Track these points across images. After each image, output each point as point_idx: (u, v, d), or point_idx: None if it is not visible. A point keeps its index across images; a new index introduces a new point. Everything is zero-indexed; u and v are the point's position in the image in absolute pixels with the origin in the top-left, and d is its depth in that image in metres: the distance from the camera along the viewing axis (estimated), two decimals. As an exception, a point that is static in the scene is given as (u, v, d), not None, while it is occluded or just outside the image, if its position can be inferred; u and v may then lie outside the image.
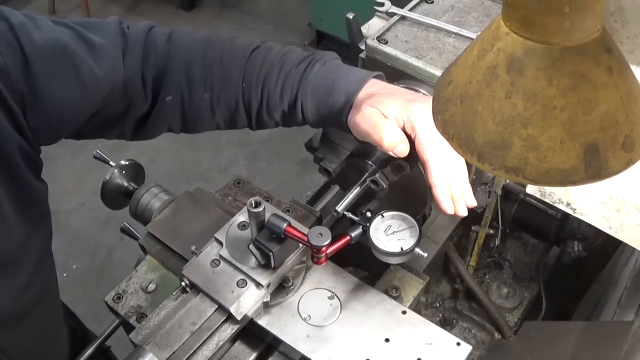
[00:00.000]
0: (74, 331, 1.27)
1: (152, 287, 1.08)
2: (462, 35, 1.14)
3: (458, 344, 0.94)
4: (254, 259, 0.97)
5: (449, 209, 0.93)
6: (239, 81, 0.99)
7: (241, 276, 0.96)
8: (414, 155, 0.93)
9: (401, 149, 0.92)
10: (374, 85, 0.96)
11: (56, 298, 1.15)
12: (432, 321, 0.98)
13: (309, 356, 0.93)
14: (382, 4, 1.21)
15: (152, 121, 1.03)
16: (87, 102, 0.94)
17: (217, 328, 0.94)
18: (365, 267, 1.24)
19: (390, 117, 0.91)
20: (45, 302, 1.06)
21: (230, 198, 1.22)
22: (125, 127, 1.03)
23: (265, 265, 0.96)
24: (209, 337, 0.94)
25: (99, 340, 1.06)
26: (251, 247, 0.97)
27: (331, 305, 0.99)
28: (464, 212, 0.94)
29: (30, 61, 0.86)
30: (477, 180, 1.29)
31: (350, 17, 1.17)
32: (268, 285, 0.96)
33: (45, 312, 1.08)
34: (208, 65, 0.99)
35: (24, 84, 0.86)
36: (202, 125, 1.06)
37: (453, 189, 0.93)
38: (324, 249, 0.90)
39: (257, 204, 0.90)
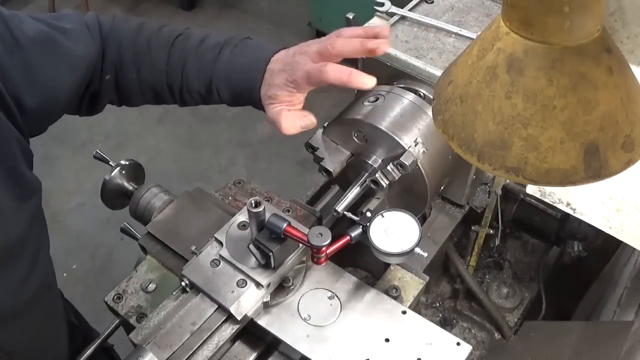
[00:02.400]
0: (74, 328, 1.27)
1: (152, 287, 1.08)
2: (462, 35, 1.13)
3: (458, 344, 0.94)
4: (254, 259, 0.97)
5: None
6: (163, 66, 1.09)
7: (241, 276, 0.96)
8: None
9: (302, 125, 1.02)
10: (275, 62, 1.04)
11: (55, 293, 1.16)
12: (432, 321, 0.98)
13: (309, 356, 0.93)
14: (382, 4, 1.21)
15: (100, 96, 1.13)
16: (73, 81, 1.03)
17: (217, 328, 0.94)
18: (365, 267, 1.24)
19: (284, 97, 1.01)
20: (44, 298, 1.07)
21: (230, 198, 1.22)
22: (83, 103, 1.13)
23: (265, 265, 0.96)
24: (209, 337, 0.94)
25: (99, 340, 1.06)
26: (251, 247, 0.97)
27: (331, 305, 0.99)
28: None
29: (25, 49, 0.93)
30: (477, 180, 1.29)
31: (350, 17, 1.16)
32: (268, 285, 0.96)
33: (44, 307, 1.08)
34: (137, 51, 1.09)
35: (19, 71, 0.92)
36: (134, 100, 1.17)
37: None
38: (324, 249, 0.90)
39: (257, 204, 0.90)
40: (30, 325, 1.04)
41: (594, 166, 0.57)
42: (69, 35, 1.02)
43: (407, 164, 0.97)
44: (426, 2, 1.21)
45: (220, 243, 0.99)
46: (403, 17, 1.18)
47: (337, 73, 0.96)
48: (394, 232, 0.94)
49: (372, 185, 1.02)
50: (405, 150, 0.99)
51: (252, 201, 0.90)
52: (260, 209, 0.90)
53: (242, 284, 0.95)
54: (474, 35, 1.13)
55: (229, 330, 0.95)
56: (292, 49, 1.05)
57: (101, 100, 1.14)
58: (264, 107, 1.05)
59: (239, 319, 0.94)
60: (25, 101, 0.94)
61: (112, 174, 1.24)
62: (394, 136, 1.00)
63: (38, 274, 1.02)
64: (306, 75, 0.98)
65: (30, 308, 1.02)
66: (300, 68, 0.98)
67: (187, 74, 1.08)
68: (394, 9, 1.20)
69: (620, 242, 1.05)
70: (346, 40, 0.99)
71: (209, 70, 1.07)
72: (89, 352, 1.05)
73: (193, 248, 1.02)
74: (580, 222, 1.09)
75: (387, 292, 1.03)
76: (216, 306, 0.95)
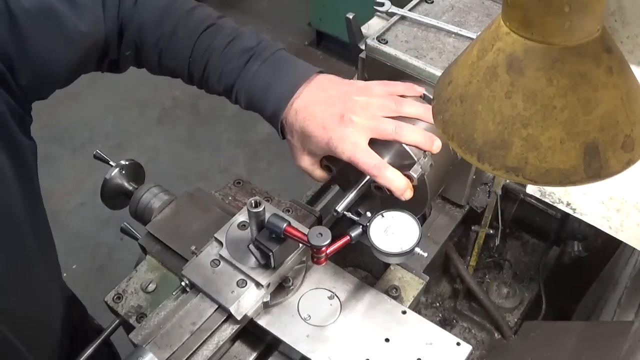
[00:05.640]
0: (70, 299, 1.27)
1: (152, 287, 1.08)
2: (462, 35, 1.13)
3: (458, 344, 0.94)
4: (254, 259, 0.97)
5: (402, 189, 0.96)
6: (187, 56, 1.06)
7: (241, 276, 0.96)
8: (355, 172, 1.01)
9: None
10: (304, 97, 1.00)
11: (54, 257, 1.14)
12: (432, 321, 0.98)
13: (309, 356, 0.93)
14: (382, 4, 1.21)
15: (119, 65, 1.11)
16: (73, 57, 0.99)
17: (217, 328, 0.94)
18: (365, 267, 1.24)
19: (318, 153, 1.01)
20: (43, 261, 1.06)
21: (230, 198, 1.22)
22: (102, 67, 1.10)
23: (265, 265, 0.96)
24: (209, 337, 0.94)
25: (99, 340, 1.06)
26: (251, 247, 0.97)
27: (331, 305, 0.99)
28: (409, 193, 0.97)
29: (19, 23, 0.89)
30: (477, 180, 1.29)
31: (350, 17, 1.17)
32: (268, 285, 0.96)
33: (43, 271, 1.07)
34: (161, 35, 1.05)
35: (12, 44, 0.89)
36: (154, 73, 1.15)
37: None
38: (324, 249, 0.90)
39: (257, 204, 0.90)
40: (31, 289, 1.03)
41: (594, 166, 0.57)
42: (75, 8, 0.96)
43: (415, 176, 0.96)
44: (426, 2, 1.21)
45: (220, 243, 0.99)
46: (403, 17, 1.18)
47: (394, 183, 0.95)
48: (394, 232, 0.94)
49: (375, 191, 1.02)
50: (414, 162, 0.98)
51: (252, 201, 0.90)
52: (260, 208, 0.90)
53: (242, 284, 0.95)
54: (474, 35, 1.13)
55: (229, 330, 0.95)
56: (332, 86, 1.00)
57: (121, 67, 1.12)
58: (282, 134, 1.05)
59: (239, 319, 0.94)
60: (17, 76, 0.91)
61: (112, 174, 1.24)
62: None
63: (36, 238, 1.01)
64: (353, 163, 0.96)
65: (29, 271, 1.01)
66: (349, 149, 0.95)
67: (208, 72, 1.05)
68: (394, 9, 1.20)
69: (620, 242, 1.05)
70: (415, 131, 0.97)
71: (232, 78, 1.03)
72: (89, 351, 1.05)
73: (193, 248, 1.02)
74: (580, 222, 1.09)
75: (387, 292, 1.03)
76: (216, 306, 0.95)
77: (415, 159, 0.98)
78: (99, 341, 1.06)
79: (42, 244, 1.06)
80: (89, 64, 1.05)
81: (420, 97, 1.07)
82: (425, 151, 0.99)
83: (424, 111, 1.01)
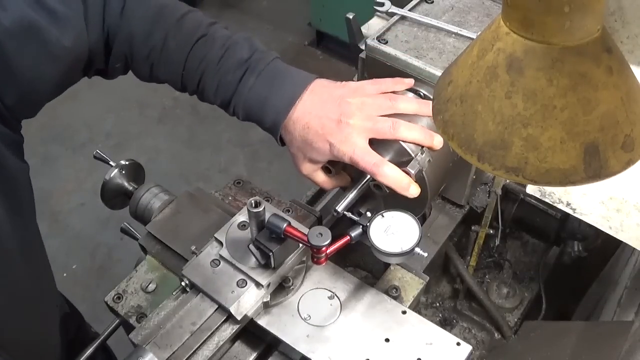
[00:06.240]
0: (66, 315, 1.26)
1: (152, 287, 1.08)
2: (462, 35, 1.13)
3: (458, 344, 0.94)
4: (254, 259, 0.97)
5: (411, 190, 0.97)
6: (180, 69, 1.04)
7: (241, 276, 0.96)
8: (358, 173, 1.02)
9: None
10: (301, 107, 1.00)
11: (50, 279, 1.13)
12: (432, 321, 0.98)
13: (309, 356, 0.93)
14: (382, 4, 1.21)
15: (107, 73, 1.09)
16: (58, 73, 0.95)
17: (217, 328, 0.94)
18: (365, 267, 1.24)
19: (320, 160, 1.02)
20: (39, 288, 1.05)
21: (230, 198, 1.22)
22: (89, 75, 1.07)
23: (265, 265, 0.96)
24: (209, 337, 0.94)
25: (99, 340, 1.06)
26: (251, 247, 0.97)
27: (331, 305, 0.99)
28: (415, 191, 0.98)
29: (1, 43, 0.85)
30: (477, 180, 1.29)
31: (350, 17, 1.16)
32: (268, 285, 0.96)
33: (39, 298, 1.06)
34: (152, 47, 1.02)
35: None
36: (144, 81, 1.12)
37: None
38: (324, 249, 0.90)
39: (257, 204, 0.90)
40: (29, 321, 1.02)
41: (594, 166, 0.57)
42: (56, 20, 0.90)
43: (413, 172, 0.96)
44: (426, 2, 1.21)
45: (220, 243, 0.99)
46: (403, 17, 1.18)
47: (394, 180, 0.95)
48: (394, 232, 0.94)
49: (375, 190, 1.02)
50: (411, 158, 0.98)
51: (252, 201, 0.90)
52: (260, 209, 0.90)
53: (242, 284, 0.95)
54: (474, 35, 1.13)
55: (229, 330, 0.95)
56: (325, 91, 1.00)
57: (109, 76, 1.09)
58: (283, 142, 1.05)
59: (239, 319, 0.94)
60: (3, 97, 0.88)
61: (112, 174, 1.24)
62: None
63: (31, 269, 1.00)
64: (354, 163, 0.96)
65: (26, 304, 1.00)
66: (349, 150, 0.95)
67: (203, 86, 1.04)
68: (394, 9, 1.20)
69: (620, 242, 1.05)
70: (413, 128, 0.97)
71: (228, 93, 1.02)
72: (89, 352, 1.05)
73: (193, 248, 1.02)
74: (580, 222, 1.09)
75: (387, 292, 1.03)
76: (216, 306, 0.95)
77: (413, 155, 0.98)
78: (98, 342, 1.06)
79: (37, 270, 1.05)
80: (74, 76, 1.02)
81: (411, 89, 1.07)
82: (423, 147, 0.99)
83: (419, 106, 1.01)
